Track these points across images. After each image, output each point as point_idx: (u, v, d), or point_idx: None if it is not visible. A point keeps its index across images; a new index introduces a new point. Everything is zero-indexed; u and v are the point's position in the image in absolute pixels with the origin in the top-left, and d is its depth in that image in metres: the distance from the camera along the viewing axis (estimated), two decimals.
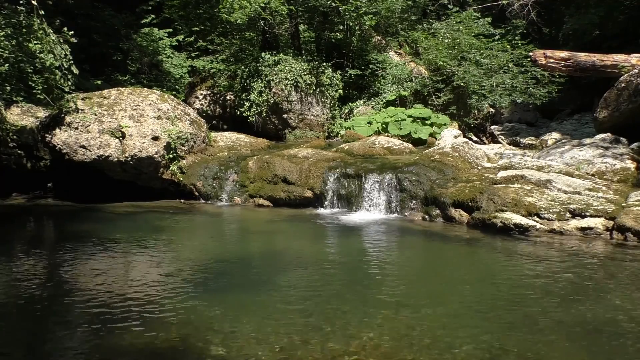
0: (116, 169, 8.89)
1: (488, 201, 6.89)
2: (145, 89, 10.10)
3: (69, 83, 8.26)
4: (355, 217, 7.76)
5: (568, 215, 6.46)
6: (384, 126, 11.04)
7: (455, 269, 5.42)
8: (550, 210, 6.51)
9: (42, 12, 7.73)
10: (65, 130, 8.55)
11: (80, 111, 8.66)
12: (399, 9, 13.94)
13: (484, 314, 3.96)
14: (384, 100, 12.24)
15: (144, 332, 3.63)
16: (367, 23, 12.46)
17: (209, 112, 12.41)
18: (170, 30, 13.69)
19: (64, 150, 8.56)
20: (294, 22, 12.83)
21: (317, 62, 11.97)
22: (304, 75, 11.55)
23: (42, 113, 9.20)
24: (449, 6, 13.98)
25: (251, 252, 6.11)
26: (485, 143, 11.51)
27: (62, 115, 8.57)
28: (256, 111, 11.55)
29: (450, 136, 10.36)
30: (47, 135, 8.68)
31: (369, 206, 7.94)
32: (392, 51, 14.11)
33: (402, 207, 7.74)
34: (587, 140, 8.94)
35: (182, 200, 9.27)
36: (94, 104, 8.87)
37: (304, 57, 12.27)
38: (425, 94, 12.07)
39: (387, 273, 5.11)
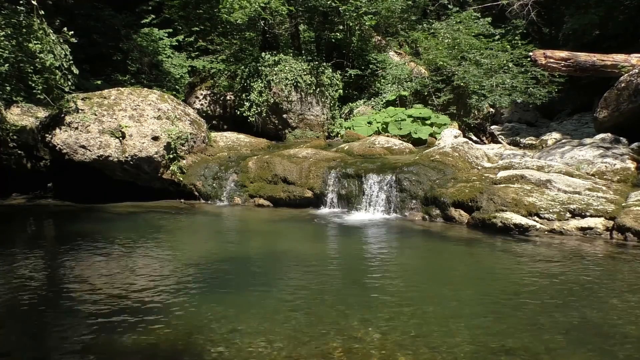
0: (116, 169, 8.90)
1: (488, 201, 6.89)
2: (145, 89, 10.10)
3: (69, 83, 8.26)
4: (355, 217, 7.76)
5: (568, 215, 6.46)
6: (384, 126, 11.04)
7: (455, 269, 5.41)
8: (550, 210, 6.51)
9: (42, 12, 7.73)
10: (65, 130, 8.55)
11: (80, 111, 8.66)
12: (399, 9, 13.94)
13: (484, 314, 3.96)
14: (384, 100, 12.25)
15: (144, 332, 3.63)
16: (367, 23, 12.46)
17: (209, 112, 12.41)
18: (170, 30, 13.68)
19: (64, 150, 8.56)
20: (294, 22, 12.83)
21: (317, 62, 11.98)
22: (304, 75, 11.55)
23: (42, 113, 9.20)
24: (449, 6, 13.97)
25: (251, 252, 6.11)
26: (485, 143, 11.50)
27: (62, 115, 8.57)
28: (256, 111, 11.56)
29: (450, 136, 10.36)
30: (47, 135, 8.68)
31: (369, 206, 7.94)
32: (392, 51, 14.11)
33: (402, 207, 7.74)
34: (587, 140, 8.94)
35: (182, 200, 9.27)
36: (94, 104, 8.87)
37: (304, 57, 12.27)
38: (425, 94, 12.08)
39: (387, 273, 5.11)
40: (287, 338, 3.52)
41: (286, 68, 11.47)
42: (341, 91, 12.26)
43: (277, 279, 4.88)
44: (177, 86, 12.80)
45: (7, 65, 7.58)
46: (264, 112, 11.59)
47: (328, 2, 11.70)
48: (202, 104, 12.48)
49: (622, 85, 9.21)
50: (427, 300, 4.30)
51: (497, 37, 12.65)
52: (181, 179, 9.26)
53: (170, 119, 9.28)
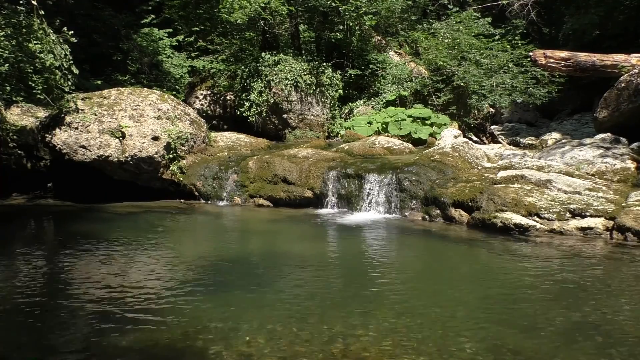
0: (116, 169, 8.90)
1: (488, 201, 6.89)
2: (145, 89, 10.10)
3: (69, 83, 8.26)
4: (355, 217, 7.76)
5: (568, 215, 6.46)
6: (384, 126, 11.04)
7: (455, 269, 5.42)
8: (550, 210, 6.51)
9: (42, 12, 7.72)
10: (65, 130, 8.55)
11: (80, 111, 8.66)
12: (399, 9, 13.95)
13: (484, 314, 3.96)
14: (384, 100, 12.25)
15: (144, 332, 3.63)
16: (367, 23, 12.46)
17: (209, 112, 12.41)
18: (170, 30, 13.69)
19: (64, 150, 8.56)
20: (294, 22, 12.83)
21: (317, 62, 11.97)
22: (304, 75, 11.55)
23: (42, 113, 9.20)
24: (449, 6, 13.98)
25: (251, 252, 6.11)
26: (485, 143, 11.51)
27: (62, 115, 8.57)
28: (256, 111, 11.56)
29: (450, 136, 10.36)
30: (47, 135, 8.68)
31: (369, 206, 7.94)
32: (392, 51, 14.11)
33: (402, 207, 7.74)
34: (587, 140, 8.95)
35: (182, 200, 9.27)
36: (94, 104, 8.87)
37: (304, 57, 12.27)
38: (425, 94, 12.08)
39: (387, 273, 5.11)
40: (287, 338, 3.52)
41: (286, 68, 11.47)
42: (341, 91, 12.26)
43: (277, 279, 4.88)
44: (177, 86, 12.80)
45: (7, 65, 7.58)
46: (264, 112, 11.59)
47: (328, 2, 11.70)
48: (202, 104, 12.48)
49: (622, 85, 9.22)
50: (427, 301, 4.30)
51: (497, 37, 12.66)
52: (181, 179, 9.26)
53: (170, 119, 9.28)
